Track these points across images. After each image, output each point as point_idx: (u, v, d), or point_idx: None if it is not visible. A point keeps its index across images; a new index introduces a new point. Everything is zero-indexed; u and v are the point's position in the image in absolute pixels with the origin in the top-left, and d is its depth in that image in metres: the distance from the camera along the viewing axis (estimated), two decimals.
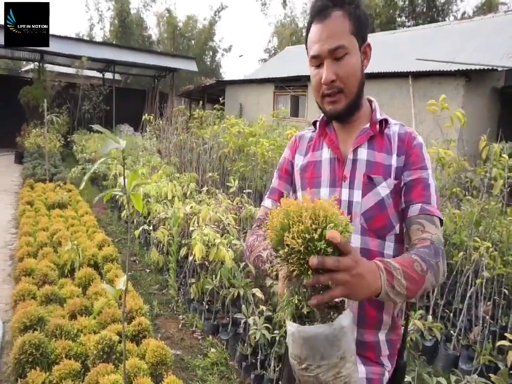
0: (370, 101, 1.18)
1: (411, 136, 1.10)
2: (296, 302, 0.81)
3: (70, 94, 13.55)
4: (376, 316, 1.08)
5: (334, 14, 1.02)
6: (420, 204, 1.02)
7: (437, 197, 1.05)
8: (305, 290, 0.80)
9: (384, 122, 1.13)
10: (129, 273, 3.92)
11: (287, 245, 0.76)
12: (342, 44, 1.02)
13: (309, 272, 0.76)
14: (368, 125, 1.12)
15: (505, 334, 2.44)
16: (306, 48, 1.11)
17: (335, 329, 0.77)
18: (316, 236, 0.74)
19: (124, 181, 1.10)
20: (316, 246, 0.74)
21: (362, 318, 1.07)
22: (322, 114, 1.19)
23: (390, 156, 1.09)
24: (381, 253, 1.06)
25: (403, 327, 1.19)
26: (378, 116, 1.13)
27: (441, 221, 1.04)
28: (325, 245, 0.74)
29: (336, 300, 0.84)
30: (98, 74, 16.56)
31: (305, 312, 0.81)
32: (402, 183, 1.07)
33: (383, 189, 1.06)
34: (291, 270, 0.78)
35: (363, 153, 1.10)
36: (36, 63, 13.89)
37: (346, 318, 0.79)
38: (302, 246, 0.74)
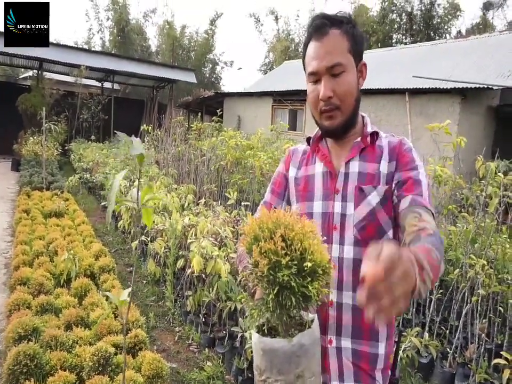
0: (362, 117, 1.21)
1: (401, 142, 1.13)
2: (260, 313, 0.80)
3: (68, 103, 13.61)
4: (371, 326, 1.07)
5: (332, 32, 1.06)
6: (411, 195, 1.01)
7: (429, 193, 1.04)
8: (269, 304, 0.77)
9: (375, 135, 1.15)
10: (127, 284, 3.89)
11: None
12: (340, 62, 1.05)
13: (269, 294, 0.74)
14: (359, 139, 1.14)
15: (501, 352, 2.45)
16: (304, 65, 1.14)
17: (293, 345, 0.76)
18: (284, 262, 0.72)
19: (138, 193, 1.11)
20: (280, 271, 0.72)
21: (358, 329, 1.07)
22: (316, 131, 1.22)
23: (379, 164, 1.10)
24: None
25: (395, 342, 1.20)
26: (369, 129, 1.15)
27: (432, 214, 1.03)
28: (290, 276, 0.72)
29: (308, 318, 0.83)
30: (97, 84, 16.65)
31: (269, 324, 0.81)
32: (393, 185, 1.07)
33: (374, 197, 1.07)
34: (255, 283, 0.78)
35: (355, 166, 1.12)
36: (35, 70, 13.95)
37: (309, 337, 0.78)
38: (266, 267, 0.73)
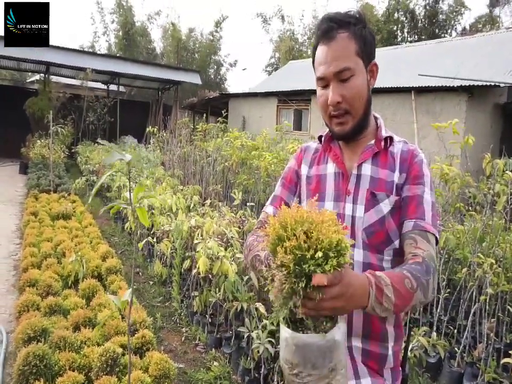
0: (375, 118, 1.20)
1: (413, 154, 1.12)
2: (288, 308, 0.81)
3: (74, 106, 13.69)
4: (381, 327, 1.09)
5: (339, 36, 1.05)
6: (414, 220, 1.04)
7: (433, 213, 1.06)
8: (296, 298, 0.80)
9: (389, 140, 1.15)
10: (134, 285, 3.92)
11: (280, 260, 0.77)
12: (347, 66, 1.04)
13: (298, 286, 0.76)
14: (373, 142, 1.14)
15: (510, 352, 2.43)
16: (314, 69, 1.14)
17: (328, 341, 0.78)
18: (308, 255, 0.75)
19: (130, 194, 1.13)
20: (306, 264, 0.75)
21: (368, 329, 1.08)
22: (328, 130, 1.21)
23: (392, 172, 1.10)
24: (380, 266, 1.08)
25: (405, 339, 1.20)
26: (384, 133, 1.15)
27: (436, 238, 1.05)
28: (314, 266, 0.74)
29: None
30: (103, 86, 16.75)
31: (298, 319, 0.82)
32: (401, 198, 1.09)
33: (386, 206, 1.08)
34: (282, 281, 0.79)
35: (367, 169, 1.12)
36: (42, 74, 14.07)
37: (340, 331, 0.80)
38: (292, 263, 0.75)
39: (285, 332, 0.82)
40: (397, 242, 1.08)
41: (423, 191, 1.07)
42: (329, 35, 1.05)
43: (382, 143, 1.14)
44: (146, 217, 1.39)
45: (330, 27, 1.06)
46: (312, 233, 0.76)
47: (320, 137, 1.25)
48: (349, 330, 1.08)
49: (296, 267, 0.75)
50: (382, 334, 1.09)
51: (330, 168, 1.18)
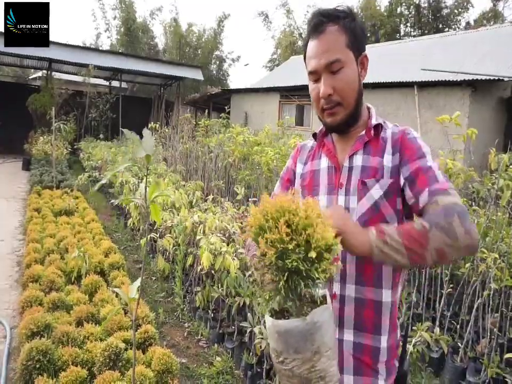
0: (368, 108, 1.19)
1: (404, 133, 1.10)
2: (271, 298, 0.82)
3: (77, 102, 13.72)
4: (373, 318, 1.07)
5: (328, 29, 1.06)
6: (427, 189, 0.98)
7: (443, 173, 1.02)
8: (281, 290, 0.79)
9: (380, 127, 1.13)
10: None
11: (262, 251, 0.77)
12: (338, 58, 1.05)
13: (280, 277, 0.76)
14: (363, 132, 1.13)
15: None
16: (305, 64, 1.14)
17: (307, 323, 0.78)
18: (291, 247, 0.74)
19: (145, 190, 1.13)
20: (289, 258, 0.74)
21: (360, 321, 1.08)
22: (322, 126, 1.22)
23: (383, 157, 1.09)
24: None
25: (403, 334, 1.19)
26: (374, 121, 1.14)
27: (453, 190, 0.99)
28: (298, 261, 0.74)
29: (318, 295, 0.85)
30: (105, 82, 16.74)
31: (282, 308, 0.83)
32: (402, 180, 1.04)
33: (376, 191, 1.06)
34: (264, 272, 0.80)
35: (358, 160, 1.12)
36: (44, 71, 14.08)
37: (322, 313, 0.80)
38: (274, 256, 0.75)
39: (268, 321, 0.83)
40: (396, 225, 1.05)
41: (425, 161, 1.03)
42: (319, 29, 1.07)
43: (372, 132, 1.13)
44: (159, 215, 1.39)
45: (320, 21, 1.07)
46: (298, 224, 0.75)
47: (314, 135, 1.26)
48: (341, 322, 1.08)
49: (279, 261, 0.75)
50: (374, 326, 1.08)
51: (324, 163, 1.19)
